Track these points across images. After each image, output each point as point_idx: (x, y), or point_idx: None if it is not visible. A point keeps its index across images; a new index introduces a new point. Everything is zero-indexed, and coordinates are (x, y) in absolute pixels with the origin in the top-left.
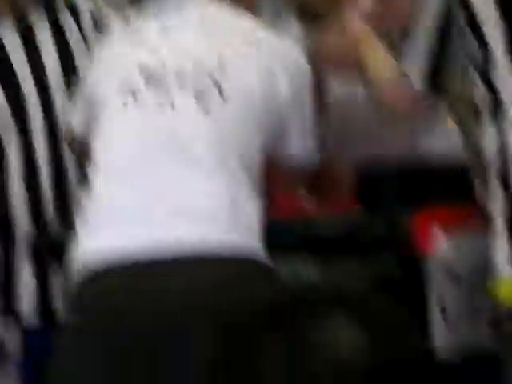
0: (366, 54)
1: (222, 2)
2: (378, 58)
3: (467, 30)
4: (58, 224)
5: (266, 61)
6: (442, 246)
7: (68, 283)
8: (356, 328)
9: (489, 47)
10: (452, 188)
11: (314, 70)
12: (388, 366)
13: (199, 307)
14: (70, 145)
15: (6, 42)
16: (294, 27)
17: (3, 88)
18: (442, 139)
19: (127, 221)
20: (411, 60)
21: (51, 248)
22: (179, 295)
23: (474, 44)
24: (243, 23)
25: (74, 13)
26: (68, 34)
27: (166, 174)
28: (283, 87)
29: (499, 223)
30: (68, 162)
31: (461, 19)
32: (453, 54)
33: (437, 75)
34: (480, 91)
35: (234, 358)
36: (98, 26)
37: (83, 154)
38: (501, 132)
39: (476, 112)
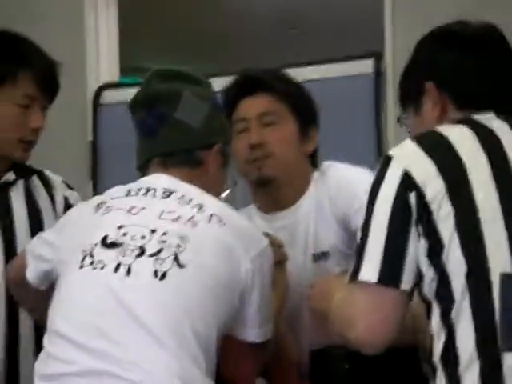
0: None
1: (187, 178)
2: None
3: None
4: None
5: (228, 237)
6: None
7: None
8: None
9: None
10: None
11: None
12: None
13: None
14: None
15: None
16: (257, 219)
17: None
18: None
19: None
20: None
21: None
22: None
23: None
24: (207, 199)
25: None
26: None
27: (115, 341)
28: (243, 264)
29: None
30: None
31: None
32: None
33: None
34: None
35: None
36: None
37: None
38: None
39: None
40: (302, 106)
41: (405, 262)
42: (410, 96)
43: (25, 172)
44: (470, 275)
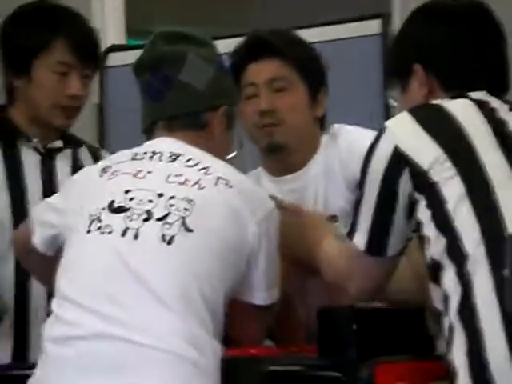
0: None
1: (193, 141)
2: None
3: None
4: None
5: (235, 200)
6: None
7: None
8: None
9: None
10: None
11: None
12: None
13: None
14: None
15: (25, 160)
16: (265, 181)
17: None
18: None
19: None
20: None
21: None
22: None
23: None
24: (213, 162)
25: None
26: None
27: (122, 305)
28: (250, 228)
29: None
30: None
31: None
32: None
33: None
34: None
35: None
36: None
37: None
38: None
39: None
40: (312, 70)
41: (391, 234)
42: (397, 74)
43: (73, 142)
44: (483, 231)
